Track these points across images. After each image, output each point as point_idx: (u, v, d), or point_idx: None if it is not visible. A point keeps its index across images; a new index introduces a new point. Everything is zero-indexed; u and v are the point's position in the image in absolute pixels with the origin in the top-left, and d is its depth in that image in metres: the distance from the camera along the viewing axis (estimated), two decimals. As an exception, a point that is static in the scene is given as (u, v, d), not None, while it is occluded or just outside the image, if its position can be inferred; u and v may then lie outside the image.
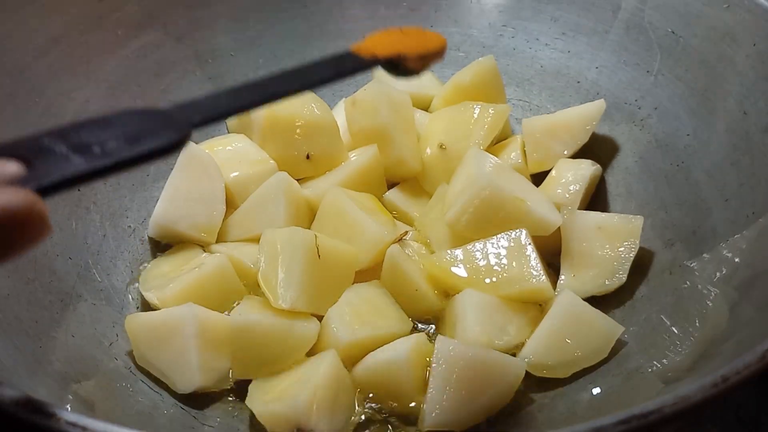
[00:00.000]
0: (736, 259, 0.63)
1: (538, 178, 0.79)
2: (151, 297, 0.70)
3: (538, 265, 0.67)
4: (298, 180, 0.79)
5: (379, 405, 0.64)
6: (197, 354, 0.63)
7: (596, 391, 0.62)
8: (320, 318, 0.67)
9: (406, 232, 0.73)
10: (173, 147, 0.43)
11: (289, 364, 0.65)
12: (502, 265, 0.68)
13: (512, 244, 0.68)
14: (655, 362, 0.61)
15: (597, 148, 0.81)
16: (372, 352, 0.64)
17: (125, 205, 0.79)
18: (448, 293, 0.71)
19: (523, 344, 0.66)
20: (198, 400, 0.65)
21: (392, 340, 0.65)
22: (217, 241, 0.77)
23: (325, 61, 0.53)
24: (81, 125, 0.41)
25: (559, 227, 0.71)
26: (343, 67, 0.53)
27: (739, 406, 0.69)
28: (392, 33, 0.58)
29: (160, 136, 0.42)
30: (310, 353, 0.66)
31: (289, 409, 0.59)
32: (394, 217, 0.79)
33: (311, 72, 0.52)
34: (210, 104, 0.47)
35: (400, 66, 0.55)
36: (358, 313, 0.67)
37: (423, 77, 0.91)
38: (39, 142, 0.39)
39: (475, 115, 0.80)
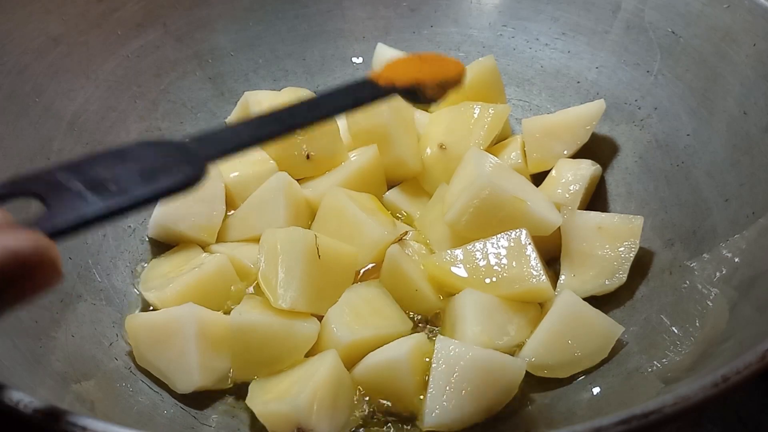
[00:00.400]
0: (736, 259, 0.63)
1: (538, 178, 0.80)
2: (151, 297, 0.70)
3: (538, 265, 0.67)
4: (298, 180, 0.79)
5: (379, 405, 0.64)
6: (197, 354, 0.63)
7: (596, 391, 0.62)
8: (320, 318, 0.67)
9: (406, 232, 0.73)
10: (191, 184, 0.41)
11: (289, 364, 0.65)
12: (502, 265, 0.68)
13: (512, 244, 0.68)
14: (655, 362, 0.61)
15: (597, 148, 0.81)
16: (372, 352, 0.64)
17: (125, 205, 0.79)
18: (448, 293, 0.71)
19: (523, 344, 0.66)
20: (198, 400, 0.65)
21: (392, 340, 0.65)
22: (217, 241, 0.77)
23: (344, 89, 0.52)
24: (96, 159, 0.39)
25: (559, 227, 0.71)
26: (362, 97, 0.53)
27: (739, 406, 0.69)
28: (411, 60, 0.57)
29: (178, 171, 0.41)
30: (310, 353, 0.66)
31: (289, 409, 0.59)
32: (394, 217, 0.79)
33: (330, 102, 0.51)
34: (228, 137, 0.46)
35: (418, 94, 0.54)
36: (358, 313, 0.67)
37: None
38: (53, 177, 0.38)
39: (475, 115, 0.80)
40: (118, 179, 0.38)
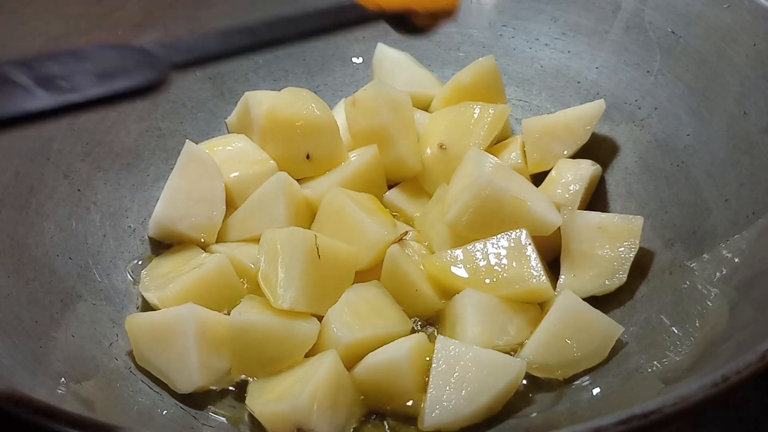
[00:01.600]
0: (736, 259, 0.63)
1: (538, 178, 0.79)
2: (151, 297, 0.70)
3: (538, 265, 0.67)
4: (298, 180, 0.79)
5: (379, 405, 0.64)
6: (197, 354, 0.63)
7: (596, 391, 0.62)
8: (320, 318, 0.67)
9: (406, 232, 0.73)
10: (150, 87, 0.39)
11: (289, 364, 0.65)
12: (502, 265, 0.68)
13: (512, 244, 0.68)
14: (655, 362, 0.61)
15: (597, 148, 0.81)
16: (372, 352, 0.64)
17: (125, 205, 0.79)
18: (448, 293, 0.71)
19: (523, 344, 0.66)
20: (198, 400, 0.65)
21: (392, 340, 0.65)
22: (217, 241, 0.77)
23: (327, 9, 0.49)
24: (49, 57, 0.38)
25: (559, 227, 0.71)
26: (346, 18, 0.50)
27: (739, 406, 0.69)
28: None
29: (136, 74, 0.39)
30: (310, 353, 0.66)
31: (289, 409, 0.59)
32: (395, 217, 0.79)
33: (310, 20, 0.48)
34: (194, 45, 0.43)
35: (407, 22, 0.52)
36: (358, 313, 0.67)
37: (423, 77, 0.91)
38: (0, 70, 0.36)
39: (475, 115, 0.80)
40: (70, 77, 0.37)
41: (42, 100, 0.36)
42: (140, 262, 0.77)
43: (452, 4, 0.54)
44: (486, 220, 0.70)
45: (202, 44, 0.43)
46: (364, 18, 0.50)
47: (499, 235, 0.69)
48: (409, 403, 0.63)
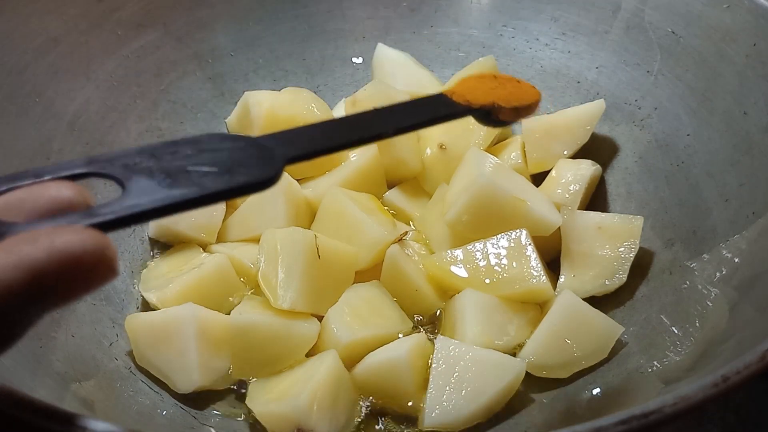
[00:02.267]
0: (736, 259, 0.63)
1: (538, 178, 0.79)
2: (151, 297, 0.70)
3: (539, 265, 0.67)
4: (298, 180, 0.79)
5: (379, 405, 0.64)
6: (197, 354, 0.63)
7: (596, 391, 0.62)
8: (320, 318, 0.67)
9: (406, 232, 0.73)
10: (266, 183, 0.39)
11: (289, 365, 0.65)
12: (503, 266, 0.68)
13: (512, 245, 0.68)
14: (655, 362, 0.61)
15: (597, 148, 0.81)
16: (372, 352, 0.64)
17: (125, 205, 0.79)
18: (448, 293, 0.71)
19: (523, 344, 0.66)
20: (198, 400, 0.65)
21: (392, 340, 0.65)
22: (217, 241, 0.77)
23: (422, 103, 0.52)
24: (175, 145, 0.38)
25: (559, 227, 0.71)
26: (439, 114, 0.52)
27: (739, 406, 0.69)
28: (486, 79, 0.56)
29: (254, 168, 0.39)
30: (310, 353, 0.66)
31: (289, 409, 0.59)
32: (394, 217, 0.79)
33: (408, 115, 0.50)
34: (305, 139, 0.44)
35: (491, 115, 0.54)
36: (358, 313, 0.67)
37: (423, 77, 0.91)
38: (131, 160, 0.37)
39: (475, 115, 0.80)
40: (193, 170, 0.37)
41: (172, 192, 0.36)
42: (140, 262, 0.77)
43: (535, 102, 0.56)
44: (486, 220, 0.70)
45: (310, 139, 0.45)
46: (456, 114, 0.53)
47: (499, 235, 0.69)
48: (409, 403, 0.63)
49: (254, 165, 0.39)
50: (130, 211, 0.35)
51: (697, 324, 0.62)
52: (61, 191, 0.34)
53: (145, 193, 0.36)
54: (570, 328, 0.64)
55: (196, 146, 0.39)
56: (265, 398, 0.62)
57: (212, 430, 0.63)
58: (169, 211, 0.36)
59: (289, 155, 0.42)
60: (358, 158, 0.80)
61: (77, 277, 0.31)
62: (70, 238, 0.31)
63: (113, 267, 0.32)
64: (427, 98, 0.53)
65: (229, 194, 0.38)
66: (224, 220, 0.77)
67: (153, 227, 0.77)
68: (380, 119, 0.48)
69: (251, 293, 0.72)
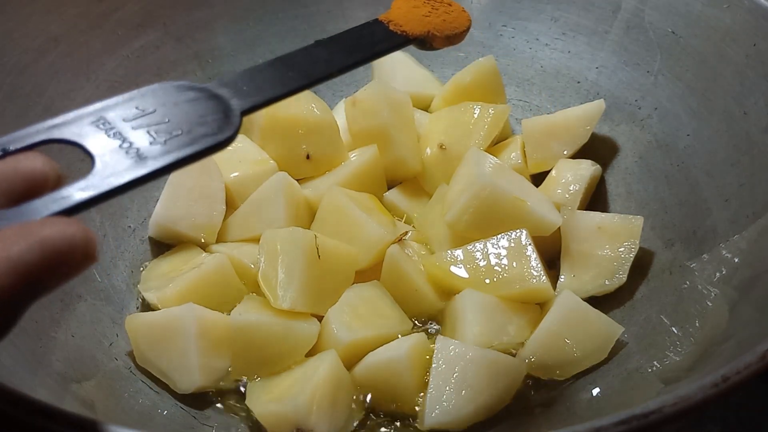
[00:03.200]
0: (736, 259, 0.63)
1: (538, 178, 0.79)
2: (151, 297, 0.70)
3: (539, 265, 0.67)
4: (298, 180, 0.79)
5: (379, 405, 0.64)
6: (197, 354, 0.63)
7: (596, 391, 0.62)
8: (320, 318, 0.67)
9: (406, 232, 0.73)
10: (227, 143, 0.39)
11: (289, 365, 0.65)
12: (503, 266, 0.68)
13: (512, 245, 0.68)
14: (655, 362, 0.61)
15: (597, 148, 0.81)
16: (372, 352, 0.64)
17: (125, 205, 0.79)
18: (448, 293, 0.71)
19: (523, 344, 0.66)
20: (198, 400, 0.65)
21: (392, 340, 0.65)
22: (217, 241, 0.77)
23: (361, 34, 0.54)
24: (129, 100, 0.38)
25: (559, 227, 0.71)
26: (380, 48, 0.54)
27: (739, 406, 0.69)
28: (420, 4, 0.58)
29: (215, 127, 0.39)
30: (310, 353, 0.66)
31: (289, 409, 0.59)
32: (394, 217, 0.79)
33: (351, 50, 0.51)
34: (256, 87, 0.44)
35: (426, 43, 0.56)
36: (358, 313, 0.67)
37: (423, 77, 0.91)
38: (94, 123, 0.37)
39: (475, 115, 0.80)
40: (158, 137, 0.37)
41: (140, 167, 0.36)
42: (140, 262, 0.77)
43: (466, 28, 0.59)
44: (486, 220, 0.70)
45: (262, 87, 0.44)
46: (394, 44, 0.55)
47: (499, 235, 0.69)
48: (409, 403, 0.63)
49: (213, 122, 0.39)
50: (104, 189, 0.35)
51: (697, 324, 0.62)
52: (35, 165, 0.35)
53: (115, 168, 0.36)
54: (570, 329, 0.64)
55: (154, 100, 0.39)
56: (265, 398, 0.62)
57: (212, 430, 0.63)
58: (140, 184, 0.37)
59: (244, 108, 0.42)
60: (358, 158, 0.80)
61: (65, 270, 0.33)
62: (59, 233, 0.32)
63: (95, 256, 0.34)
64: (366, 27, 0.54)
65: (195, 158, 0.38)
66: (224, 220, 0.77)
67: (153, 227, 0.77)
68: (326, 55, 0.49)
69: (251, 293, 0.72)
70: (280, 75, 0.46)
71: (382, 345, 0.64)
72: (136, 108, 0.39)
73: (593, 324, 0.65)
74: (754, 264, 0.61)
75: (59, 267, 0.32)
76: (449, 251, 0.70)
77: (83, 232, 0.33)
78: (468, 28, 0.59)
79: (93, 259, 0.33)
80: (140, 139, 0.38)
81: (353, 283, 0.70)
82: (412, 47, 0.56)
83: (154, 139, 0.38)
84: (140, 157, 0.37)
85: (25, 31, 0.75)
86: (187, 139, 0.38)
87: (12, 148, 0.37)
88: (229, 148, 0.87)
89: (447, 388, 0.60)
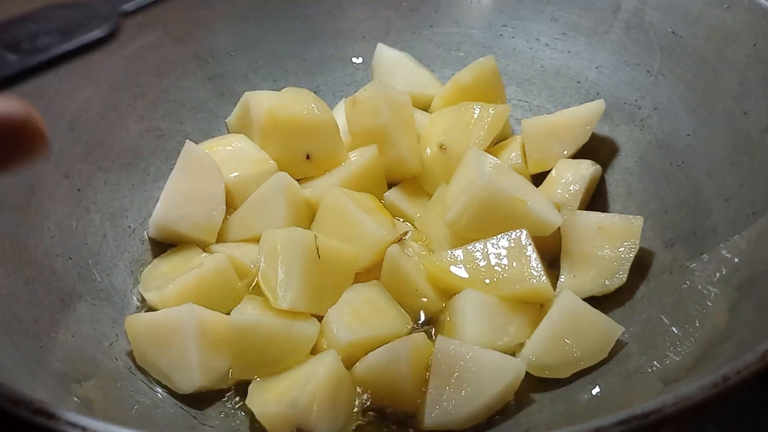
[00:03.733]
0: (736, 259, 0.63)
1: (538, 178, 0.79)
2: (151, 297, 0.70)
3: (539, 265, 0.67)
4: (298, 180, 0.79)
5: (378, 405, 0.64)
6: (197, 354, 0.64)
7: (596, 391, 0.62)
8: (320, 318, 0.67)
9: (406, 232, 0.73)
10: (107, 38, 0.44)
11: (289, 365, 0.65)
12: (503, 266, 0.68)
13: (512, 245, 0.68)
14: (655, 362, 0.61)
15: (597, 148, 0.81)
16: (372, 352, 0.64)
17: (125, 205, 0.79)
18: (448, 293, 0.71)
19: (523, 344, 0.66)
20: (198, 400, 0.65)
21: (392, 340, 0.65)
22: (217, 241, 0.77)
23: None
24: (8, 22, 0.40)
25: (559, 227, 0.71)
26: None
27: (739, 406, 0.69)
28: None
29: (92, 27, 0.43)
30: (310, 353, 0.66)
31: (289, 409, 0.59)
32: (394, 217, 0.79)
33: None
34: None
35: None
36: (358, 313, 0.67)
37: (423, 77, 0.91)
38: None
39: (475, 116, 0.80)
40: (33, 39, 0.40)
41: (15, 64, 0.39)
42: (140, 262, 0.77)
43: None
44: (486, 220, 0.70)
45: None
46: None
47: (499, 235, 0.69)
48: (409, 403, 0.63)
49: (92, 25, 0.44)
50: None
51: (697, 324, 0.62)
52: None
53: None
54: (570, 329, 0.64)
55: (31, 19, 0.42)
56: (265, 398, 0.62)
57: (212, 430, 0.63)
58: (16, 81, 0.39)
59: (125, 8, 0.47)
60: (358, 158, 0.80)
61: (12, 143, 0.33)
62: (6, 107, 0.33)
63: (44, 135, 0.34)
64: None
65: (73, 53, 0.41)
66: (224, 220, 0.77)
67: (153, 227, 0.77)
68: None
69: (251, 293, 0.72)
70: None
71: (382, 345, 0.64)
72: (19, 25, 0.41)
73: (593, 324, 0.65)
74: (754, 264, 0.61)
75: (5, 138, 0.33)
76: (449, 251, 0.70)
77: (26, 105, 0.33)
78: None
79: (42, 138, 0.34)
80: (21, 45, 0.40)
81: (353, 283, 0.70)
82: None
83: (35, 44, 0.40)
84: (21, 55, 0.39)
85: (25, 31, 0.75)
86: (65, 39, 0.42)
87: None
88: (228, 147, 0.88)
89: (447, 388, 0.60)
